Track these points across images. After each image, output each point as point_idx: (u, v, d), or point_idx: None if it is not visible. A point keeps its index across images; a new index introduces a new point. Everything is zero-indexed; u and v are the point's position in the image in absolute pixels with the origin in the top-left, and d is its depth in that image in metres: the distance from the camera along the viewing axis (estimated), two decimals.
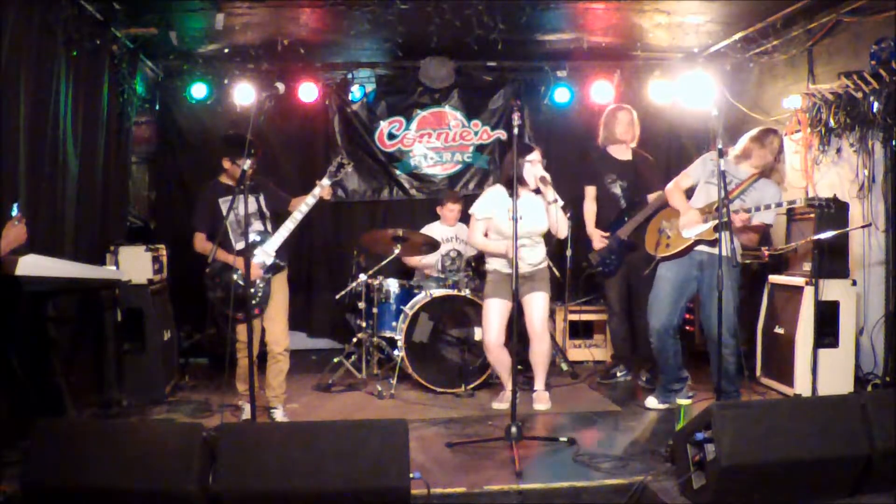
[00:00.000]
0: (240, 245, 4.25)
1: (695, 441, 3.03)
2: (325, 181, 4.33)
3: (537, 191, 4.64)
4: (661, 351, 4.62)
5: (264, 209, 4.48)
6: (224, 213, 4.30)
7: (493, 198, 4.72)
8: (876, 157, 4.84)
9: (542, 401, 4.74)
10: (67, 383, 3.93)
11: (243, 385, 4.42)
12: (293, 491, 2.86)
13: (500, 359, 4.74)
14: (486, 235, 4.76)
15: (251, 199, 4.24)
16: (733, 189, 4.33)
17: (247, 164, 3.78)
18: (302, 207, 4.32)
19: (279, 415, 4.50)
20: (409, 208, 6.95)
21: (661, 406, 4.70)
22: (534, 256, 4.73)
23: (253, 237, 4.22)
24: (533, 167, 4.60)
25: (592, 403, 4.94)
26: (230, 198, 4.20)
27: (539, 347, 4.76)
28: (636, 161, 5.44)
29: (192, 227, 4.47)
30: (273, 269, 4.39)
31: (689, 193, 4.64)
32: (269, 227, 4.47)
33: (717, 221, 4.22)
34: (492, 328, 4.69)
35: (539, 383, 4.79)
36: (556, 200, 4.58)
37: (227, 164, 4.40)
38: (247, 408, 4.26)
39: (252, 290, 4.23)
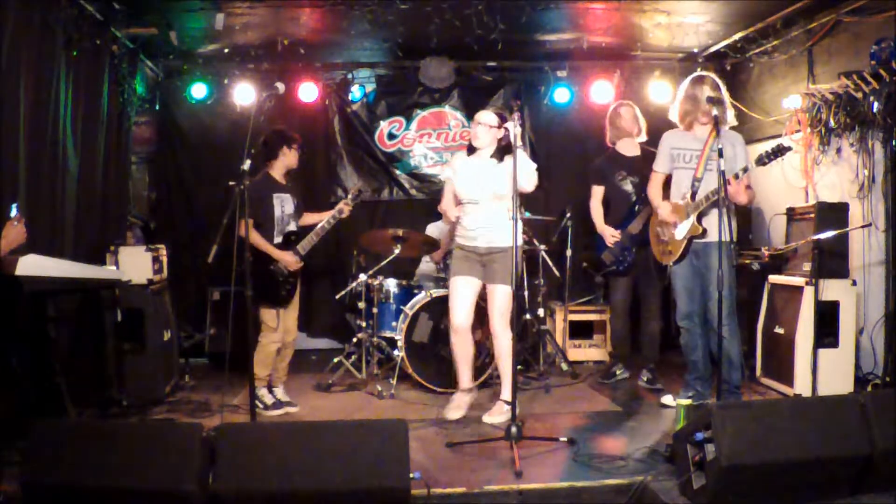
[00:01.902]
0: (277, 240, 4.65)
1: (695, 441, 3.03)
2: (350, 202, 4.77)
3: (502, 152, 4.43)
4: (688, 345, 4.59)
5: (296, 213, 4.82)
6: (274, 210, 4.64)
7: (456, 161, 4.67)
8: (876, 157, 4.84)
9: (493, 413, 4.39)
10: (67, 383, 3.92)
11: (265, 370, 4.63)
12: (293, 491, 2.86)
13: (463, 345, 4.46)
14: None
15: (291, 200, 4.75)
16: (697, 165, 4.35)
17: (247, 164, 3.79)
18: (330, 220, 4.74)
19: (280, 392, 4.78)
20: (409, 208, 6.94)
21: (681, 401, 4.66)
22: (490, 227, 4.41)
23: (289, 235, 4.72)
24: (475, 126, 4.49)
25: (592, 403, 4.93)
26: (283, 194, 4.69)
27: (497, 346, 4.48)
28: (645, 157, 5.44)
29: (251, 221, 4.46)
30: (301, 268, 4.75)
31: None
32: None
33: (697, 212, 4.33)
34: (457, 309, 4.45)
35: (503, 391, 4.46)
36: (520, 146, 4.32)
37: (285, 151, 4.72)
38: (265, 392, 4.70)
39: (288, 285, 4.67)
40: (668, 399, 4.75)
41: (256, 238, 4.46)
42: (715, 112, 4.09)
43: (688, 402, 4.60)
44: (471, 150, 4.54)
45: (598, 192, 5.47)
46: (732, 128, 4.56)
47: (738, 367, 4.38)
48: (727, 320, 4.23)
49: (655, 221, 4.73)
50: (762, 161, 4.07)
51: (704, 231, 4.35)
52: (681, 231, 4.46)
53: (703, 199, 4.28)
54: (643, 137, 5.47)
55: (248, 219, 4.01)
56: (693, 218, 4.37)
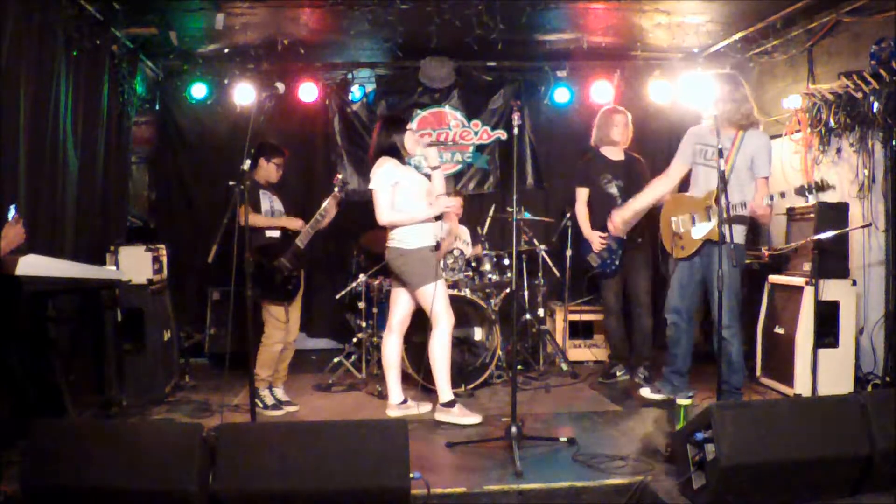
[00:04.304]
0: (273, 234, 4.68)
1: (695, 441, 3.03)
2: (338, 194, 4.70)
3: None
4: (672, 338, 4.63)
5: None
6: (262, 203, 4.70)
7: (389, 168, 4.42)
8: (876, 157, 4.84)
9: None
10: (67, 383, 3.93)
11: (268, 371, 4.65)
12: (293, 491, 2.86)
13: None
14: None
15: (279, 201, 4.84)
16: (726, 160, 4.24)
17: (246, 164, 3.80)
18: (322, 212, 4.66)
19: (280, 392, 4.80)
20: None
21: (655, 396, 4.73)
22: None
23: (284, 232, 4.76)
24: (413, 134, 4.56)
25: (592, 403, 4.93)
26: (269, 193, 4.79)
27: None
28: (629, 162, 5.47)
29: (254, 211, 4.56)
30: (303, 262, 4.76)
31: (686, 178, 4.63)
32: None
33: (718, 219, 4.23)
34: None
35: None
36: (438, 166, 4.59)
37: (262, 162, 4.80)
38: (266, 393, 4.68)
39: (293, 279, 4.70)
40: (645, 392, 4.83)
41: (260, 220, 4.56)
42: (716, 112, 4.09)
43: (688, 401, 4.61)
44: (398, 156, 4.48)
45: (582, 194, 5.50)
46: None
47: (738, 370, 4.38)
48: (731, 322, 4.23)
49: (671, 210, 4.66)
50: (802, 192, 4.15)
51: (723, 237, 4.30)
52: (699, 231, 4.41)
53: (734, 207, 4.15)
54: (627, 144, 5.49)
55: (248, 208, 4.03)
56: (715, 222, 4.25)
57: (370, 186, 4.41)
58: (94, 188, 5.04)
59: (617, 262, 5.32)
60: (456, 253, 5.64)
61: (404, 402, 4.56)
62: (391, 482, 2.87)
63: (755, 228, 6.17)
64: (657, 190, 4.72)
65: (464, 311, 5.26)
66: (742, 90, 4.37)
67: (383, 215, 4.40)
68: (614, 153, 5.47)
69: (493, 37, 5.34)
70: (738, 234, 4.30)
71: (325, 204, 4.69)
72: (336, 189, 4.74)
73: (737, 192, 4.22)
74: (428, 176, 4.60)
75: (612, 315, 5.54)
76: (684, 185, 4.69)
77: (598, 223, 5.40)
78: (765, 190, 4.28)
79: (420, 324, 5.15)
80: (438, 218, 4.50)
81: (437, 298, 4.38)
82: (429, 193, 4.51)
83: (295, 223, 4.72)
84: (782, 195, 4.23)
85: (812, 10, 5.17)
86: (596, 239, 5.35)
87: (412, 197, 4.44)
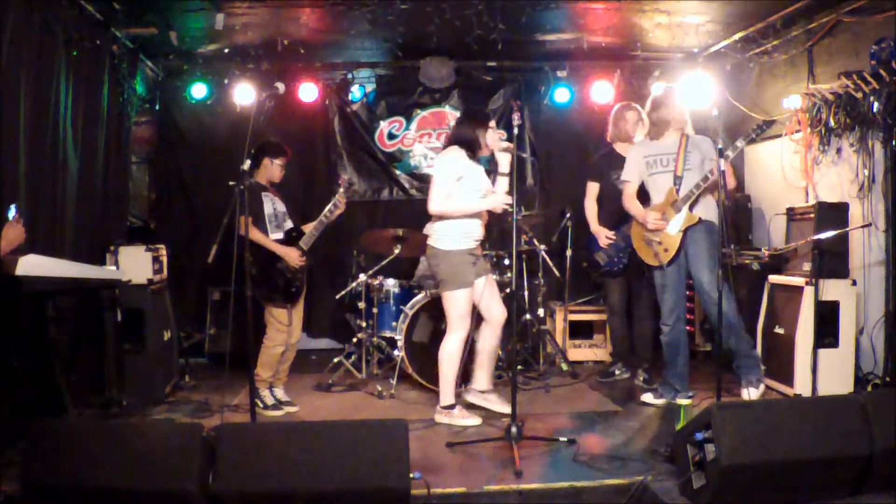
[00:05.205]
0: (275, 235, 4.65)
1: (695, 441, 3.03)
2: (343, 195, 4.66)
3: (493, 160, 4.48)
4: (671, 343, 4.65)
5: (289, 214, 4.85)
6: (265, 207, 4.65)
7: (458, 159, 4.35)
8: (876, 157, 4.84)
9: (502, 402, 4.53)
10: (67, 383, 3.93)
11: (269, 372, 4.66)
12: (293, 491, 2.86)
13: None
14: None
15: (281, 201, 4.79)
16: (675, 165, 4.56)
17: (246, 164, 3.80)
18: (327, 213, 4.66)
19: (280, 393, 4.80)
20: (409, 208, 6.92)
21: (657, 401, 4.73)
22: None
23: (290, 232, 4.74)
24: (495, 132, 4.47)
25: (592, 403, 4.94)
26: (271, 195, 4.73)
27: (497, 337, 4.53)
28: None
29: (254, 223, 4.46)
30: (305, 265, 4.73)
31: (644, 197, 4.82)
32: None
33: (688, 203, 4.50)
34: (494, 304, 4.43)
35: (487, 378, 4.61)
36: (509, 172, 4.40)
37: (267, 162, 4.73)
38: (266, 393, 4.69)
39: (297, 281, 4.69)
40: (647, 397, 4.83)
41: (258, 235, 4.49)
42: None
43: (688, 402, 4.63)
44: (471, 150, 4.38)
45: (593, 188, 5.47)
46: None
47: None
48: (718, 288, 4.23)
49: (640, 230, 4.74)
50: (751, 138, 4.42)
51: (700, 220, 4.50)
52: (675, 225, 4.54)
53: (694, 188, 4.47)
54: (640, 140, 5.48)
55: (248, 217, 4.02)
56: (686, 209, 4.50)
57: (430, 171, 4.36)
58: (94, 188, 5.03)
59: (625, 261, 5.31)
60: None
61: (453, 406, 4.38)
62: (391, 482, 2.87)
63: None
64: (636, 206, 4.78)
65: None
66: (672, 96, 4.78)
67: (434, 203, 4.33)
68: (627, 150, 5.45)
69: (493, 37, 5.33)
70: (711, 212, 4.53)
71: (329, 206, 4.66)
72: (341, 190, 4.69)
73: (692, 181, 4.51)
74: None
75: (615, 315, 5.53)
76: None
77: (608, 219, 5.37)
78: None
79: (424, 323, 5.17)
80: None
81: (459, 304, 4.34)
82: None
83: (291, 255, 4.61)
84: (736, 146, 4.40)
85: (812, 10, 5.17)
86: (602, 235, 5.35)
87: (471, 195, 4.34)
